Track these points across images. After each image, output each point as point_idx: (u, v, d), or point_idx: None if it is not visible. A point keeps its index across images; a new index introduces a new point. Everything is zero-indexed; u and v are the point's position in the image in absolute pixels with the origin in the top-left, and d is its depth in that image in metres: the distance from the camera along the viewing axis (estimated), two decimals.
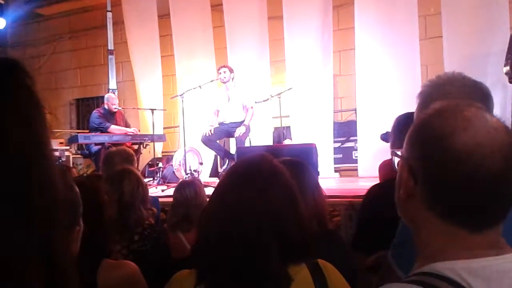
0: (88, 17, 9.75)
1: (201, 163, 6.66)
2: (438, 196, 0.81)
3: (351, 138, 6.59)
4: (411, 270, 0.85)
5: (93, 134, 6.46)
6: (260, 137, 6.74)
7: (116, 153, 3.36)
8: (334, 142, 6.57)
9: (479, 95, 1.28)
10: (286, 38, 6.74)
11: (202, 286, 1.18)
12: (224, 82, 6.33)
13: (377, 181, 2.46)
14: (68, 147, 7.75)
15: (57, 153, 7.38)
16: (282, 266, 1.16)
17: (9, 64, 0.59)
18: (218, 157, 6.85)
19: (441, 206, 0.82)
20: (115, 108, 6.76)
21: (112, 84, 8.44)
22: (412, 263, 0.88)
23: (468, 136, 0.78)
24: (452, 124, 0.81)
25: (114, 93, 7.73)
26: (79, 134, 6.87)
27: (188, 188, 2.73)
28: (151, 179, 6.58)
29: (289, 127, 6.88)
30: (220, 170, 6.79)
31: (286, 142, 6.51)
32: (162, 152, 8.07)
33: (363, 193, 2.19)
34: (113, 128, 6.56)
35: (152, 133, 6.65)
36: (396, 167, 0.94)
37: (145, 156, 7.22)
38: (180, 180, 4.91)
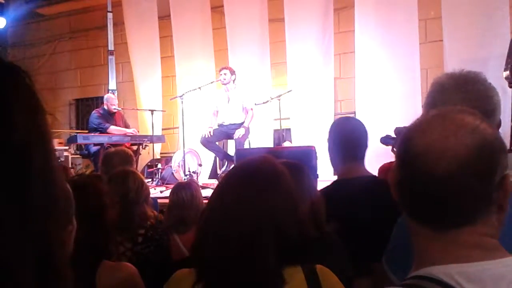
0: (89, 17, 9.75)
1: (200, 165, 6.65)
2: (402, 196, 0.85)
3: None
4: (406, 275, 0.86)
5: (92, 134, 6.46)
6: (259, 139, 6.73)
7: (115, 154, 3.36)
8: None
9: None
10: (287, 40, 6.74)
11: (201, 285, 1.19)
12: (225, 84, 6.32)
13: None
14: (67, 147, 7.74)
15: (56, 153, 7.37)
16: (278, 267, 1.16)
17: (9, 65, 0.58)
18: (217, 158, 6.84)
19: (405, 206, 0.86)
20: (115, 108, 6.75)
21: (112, 85, 8.44)
22: (406, 268, 0.88)
23: (422, 139, 0.81)
24: (416, 128, 0.85)
25: (113, 93, 7.73)
26: (78, 134, 6.86)
27: (184, 190, 2.72)
28: (150, 180, 6.57)
29: (289, 129, 6.87)
30: (219, 171, 6.78)
31: (286, 144, 6.50)
32: (161, 153, 8.06)
33: None
34: (112, 128, 6.56)
35: (151, 134, 6.65)
36: None
37: (144, 157, 7.21)
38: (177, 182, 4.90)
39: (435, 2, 5.93)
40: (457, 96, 1.25)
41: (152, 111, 6.65)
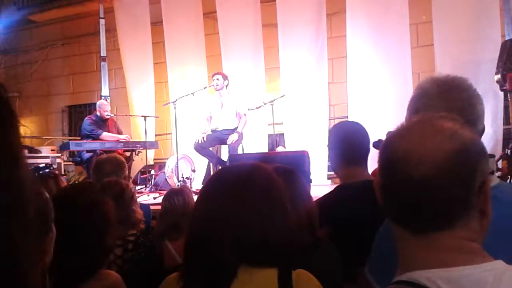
0: (81, 24, 9.73)
1: (193, 170, 6.64)
2: (385, 201, 0.87)
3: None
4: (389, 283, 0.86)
5: (84, 141, 6.43)
6: (253, 144, 6.72)
7: (106, 161, 3.34)
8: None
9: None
10: (280, 45, 6.75)
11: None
12: (218, 89, 6.31)
13: None
14: (59, 154, 7.69)
15: (48, 160, 7.33)
16: (234, 263, 1.18)
17: None
18: (211, 164, 6.82)
19: (388, 211, 0.88)
20: (107, 115, 6.73)
21: (105, 91, 8.42)
22: (389, 277, 0.88)
23: (401, 145, 0.83)
24: (396, 133, 0.86)
25: (106, 100, 7.70)
26: (70, 141, 6.83)
27: (176, 197, 2.70)
28: (143, 186, 6.54)
29: (282, 134, 6.87)
30: None
31: (279, 149, 6.50)
32: (155, 159, 8.03)
33: None
34: (105, 135, 6.53)
35: (144, 140, 6.62)
36: None
37: (137, 163, 7.18)
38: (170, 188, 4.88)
39: (427, 6, 5.96)
40: (440, 103, 1.25)
41: (145, 117, 6.63)
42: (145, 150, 6.70)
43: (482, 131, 1.28)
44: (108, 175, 3.00)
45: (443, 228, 0.82)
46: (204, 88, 6.50)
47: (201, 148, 6.22)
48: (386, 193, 0.86)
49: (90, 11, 9.03)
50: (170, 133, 7.74)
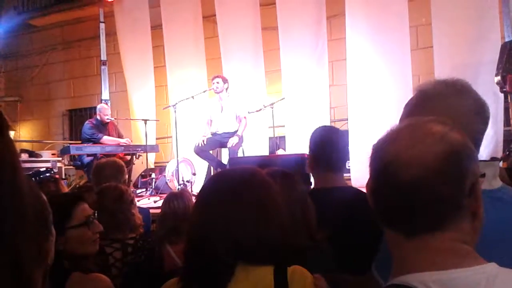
0: (81, 28, 9.76)
1: (194, 174, 6.63)
2: (377, 205, 0.88)
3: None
4: None
5: (85, 145, 6.43)
6: (253, 147, 6.72)
7: (106, 165, 3.34)
8: None
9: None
10: (281, 48, 6.74)
11: None
12: (218, 93, 6.31)
13: None
14: (60, 158, 7.71)
15: (49, 164, 7.34)
16: (231, 262, 1.21)
17: None
18: (211, 167, 6.82)
19: (380, 214, 0.88)
20: (108, 118, 6.73)
21: (105, 95, 8.43)
22: None
23: (392, 148, 0.84)
24: (386, 137, 0.87)
25: (106, 103, 7.70)
26: (71, 145, 6.83)
27: (176, 200, 2.69)
28: (144, 190, 6.55)
29: (282, 137, 6.86)
30: None
31: (279, 152, 6.50)
32: (155, 162, 8.03)
33: None
34: (105, 139, 6.53)
35: (145, 143, 6.63)
36: None
37: (138, 167, 7.18)
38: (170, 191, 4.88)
39: (426, 8, 5.96)
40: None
41: (145, 120, 6.64)
42: (145, 154, 6.71)
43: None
44: (108, 179, 3.00)
45: (434, 230, 0.82)
46: (204, 91, 6.50)
47: (201, 152, 6.22)
48: (378, 197, 0.87)
49: (90, 15, 9.06)
50: (171, 137, 7.75)
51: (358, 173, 5.83)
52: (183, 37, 7.63)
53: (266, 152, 6.80)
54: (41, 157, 7.72)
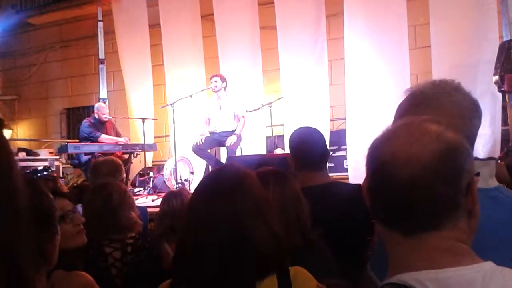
0: (79, 26, 9.74)
1: (192, 173, 6.63)
2: (372, 203, 0.88)
3: (342, 147, 6.58)
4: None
5: (83, 143, 6.42)
6: (251, 146, 6.72)
7: (103, 163, 3.34)
8: None
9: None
10: (280, 47, 6.74)
11: None
12: (216, 91, 6.32)
13: None
14: (58, 157, 7.69)
15: (46, 163, 7.33)
16: (251, 282, 1.18)
17: None
18: (209, 166, 6.82)
19: (376, 213, 0.88)
20: (106, 117, 6.72)
21: (103, 94, 8.41)
22: None
23: (388, 147, 0.85)
24: (382, 136, 0.88)
25: (104, 102, 7.70)
26: (69, 143, 6.82)
27: (175, 199, 2.70)
28: (142, 188, 6.54)
29: (281, 136, 6.86)
30: None
31: (278, 151, 6.50)
32: (153, 161, 8.02)
33: None
34: (103, 137, 6.53)
35: (143, 142, 6.62)
36: None
37: (136, 166, 7.17)
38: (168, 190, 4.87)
39: (424, 8, 5.96)
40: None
41: (143, 119, 6.63)
42: (143, 153, 6.71)
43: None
44: (105, 178, 3.00)
45: (431, 228, 0.82)
46: (202, 90, 6.50)
47: (199, 150, 6.22)
48: (374, 196, 0.87)
49: (88, 14, 9.04)
50: (169, 135, 7.74)
51: (355, 172, 5.83)
52: (181, 36, 7.63)
53: (264, 151, 6.80)
54: (39, 155, 7.71)
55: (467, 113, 1.21)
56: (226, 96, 6.36)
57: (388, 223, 0.86)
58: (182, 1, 7.62)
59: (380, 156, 0.85)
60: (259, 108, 6.13)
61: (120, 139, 6.69)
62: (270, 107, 6.01)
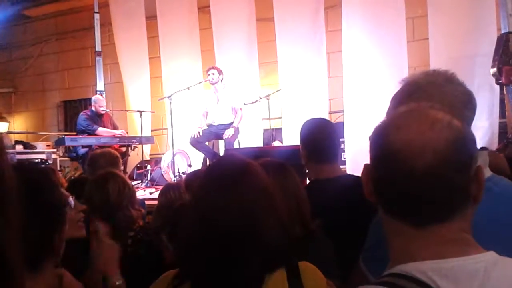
0: (75, 18, 9.68)
1: (189, 165, 6.63)
2: (380, 194, 0.85)
3: (340, 139, 6.55)
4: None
5: (80, 136, 6.41)
6: (249, 138, 6.71)
7: (101, 155, 3.33)
8: None
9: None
10: (278, 39, 6.70)
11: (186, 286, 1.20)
12: (213, 84, 6.30)
13: None
14: (55, 150, 7.67)
15: (44, 156, 7.31)
16: (260, 275, 1.17)
17: None
18: (207, 159, 6.82)
19: (384, 204, 0.85)
20: (103, 110, 6.70)
21: (100, 86, 8.38)
22: (383, 267, 0.87)
23: (399, 135, 0.81)
24: (390, 124, 0.84)
25: (101, 95, 7.67)
26: (66, 136, 6.81)
27: (173, 191, 2.69)
28: (139, 181, 6.54)
29: (278, 128, 6.85)
30: None
31: (275, 143, 6.50)
32: (151, 154, 8.01)
33: None
34: (100, 130, 6.51)
35: (140, 135, 6.61)
36: None
37: (133, 159, 7.16)
38: (166, 183, 4.87)
39: (422, 0, 5.94)
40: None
41: (141, 112, 6.61)
42: (141, 145, 6.70)
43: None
44: (103, 170, 2.98)
45: (444, 219, 0.80)
46: (200, 82, 6.48)
47: (197, 143, 6.21)
48: (383, 186, 0.84)
49: (85, 6, 8.98)
50: (166, 128, 7.73)
51: (353, 164, 5.83)
52: (178, 28, 7.60)
53: (260, 144, 6.80)
54: (36, 148, 7.68)
55: (458, 104, 1.21)
56: (223, 89, 6.35)
57: (398, 214, 0.83)
58: None
59: (390, 144, 0.81)
60: (256, 101, 6.12)
61: (118, 132, 6.68)
62: (268, 99, 6.00)
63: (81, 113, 6.75)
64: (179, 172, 6.13)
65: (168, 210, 2.67)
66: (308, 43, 6.52)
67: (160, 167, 6.69)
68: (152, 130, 7.88)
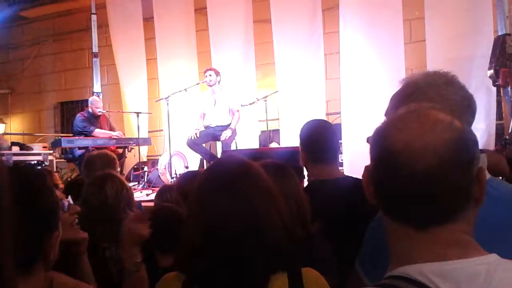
0: (73, 19, 9.67)
1: (186, 167, 6.61)
2: (380, 196, 0.84)
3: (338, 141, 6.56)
4: (381, 276, 0.84)
5: (77, 138, 6.39)
6: (246, 140, 6.70)
7: (97, 157, 3.32)
8: None
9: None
10: (275, 41, 6.70)
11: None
12: (211, 85, 6.29)
13: None
14: (51, 151, 7.65)
15: (40, 157, 7.29)
16: (265, 278, 1.16)
17: None
18: (204, 160, 6.80)
19: (384, 206, 0.84)
20: (99, 111, 6.68)
21: (97, 88, 8.36)
22: (379, 270, 0.86)
23: (399, 136, 0.80)
24: (390, 125, 0.84)
25: (98, 96, 7.65)
26: (62, 138, 6.79)
27: (169, 193, 2.68)
28: (136, 183, 6.52)
29: (276, 130, 6.85)
30: None
31: (273, 145, 6.49)
32: (148, 156, 7.99)
33: None
34: (97, 131, 6.49)
35: (137, 136, 6.59)
36: None
37: (130, 160, 7.14)
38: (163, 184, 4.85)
39: (420, 2, 5.95)
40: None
41: (137, 113, 6.60)
42: (138, 147, 6.68)
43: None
44: (99, 171, 2.97)
45: (445, 221, 0.80)
46: (197, 84, 6.47)
47: (194, 145, 6.20)
48: (384, 188, 0.83)
49: (82, 7, 8.97)
50: (162, 130, 7.72)
51: (350, 166, 5.83)
52: (174, 30, 7.59)
53: (256, 146, 6.79)
54: (32, 150, 7.65)
55: (457, 108, 1.20)
56: (221, 90, 6.34)
57: (398, 216, 0.82)
58: None
59: (391, 145, 0.80)
60: (254, 102, 6.12)
61: (114, 134, 6.66)
62: (265, 101, 5.99)
63: (78, 115, 6.73)
64: (176, 174, 6.11)
65: None
66: (306, 44, 6.52)
67: (157, 169, 6.67)
68: (149, 132, 7.87)
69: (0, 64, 10.95)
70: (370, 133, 2.44)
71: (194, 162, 6.96)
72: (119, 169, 4.02)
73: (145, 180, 6.41)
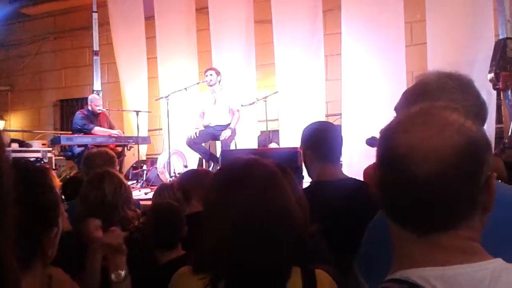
0: (74, 17, 9.66)
1: (186, 166, 6.61)
2: (384, 199, 0.83)
3: None
4: (379, 278, 0.84)
5: (76, 135, 6.38)
6: (245, 140, 6.70)
7: (97, 155, 3.30)
8: None
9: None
10: (275, 41, 6.71)
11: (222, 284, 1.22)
12: (211, 85, 6.29)
13: None
14: (50, 149, 7.65)
15: (39, 154, 7.29)
16: (289, 270, 1.21)
17: None
18: (203, 160, 6.80)
19: (386, 207, 0.83)
20: (99, 109, 6.68)
21: (97, 86, 8.36)
22: (377, 272, 0.86)
23: (405, 139, 0.78)
24: (398, 126, 0.81)
25: (98, 94, 7.65)
26: (61, 135, 6.78)
27: (167, 191, 2.67)
28: (135, 181, 6.52)
29: (275, 130, 6.85)
30: None
31: (272, 145, 6.49)
32: (147, 154, 7.98)
33: None
34: (96, 129, 6.49)
35: (136, 135, 6.59)
36: None
37: (129, 159, 7.14)
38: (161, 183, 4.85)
39: (421, 4, 5.95)
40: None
41: (137, 112, 6.59)
42: (137, 145, 6.67)
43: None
44: (99, 169, 2.96)
45: (447, 228, 0.78)
46: (198, 83, 6.47)
47: (193, 144, 6.20)
48: (387, 192, 0.81)
49: (83, 5, 8.96)
50: (162, 129, 7.71)
51: (350, 167, 5.82)
52: (175, 29, 7.59)
53: (255, 146, 6.79)
54: (32, 147, 7.66)
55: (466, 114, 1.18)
56: (221, 90, 6.34)
57: (400, 221, 0.81)
58: None
59: (396, 148, 0.78)
60: (254, 103, 6.12)
61: (114, 132, 6.65)
62: (265, 101, 5.99)
63: (78, 112, 6.73)
64: (175, 173, 6.11)
65: None
66: (306, 45, 6.53)
67: (156, 168, 6.67)
68: (148, 130, 7.86)
69: (1, 61, 10.94)
70: (370, 135, 2.44)
71: (193, 161, 6.96)
72: (118, 167, 4.01)
73: (144, 179, 6.41)
